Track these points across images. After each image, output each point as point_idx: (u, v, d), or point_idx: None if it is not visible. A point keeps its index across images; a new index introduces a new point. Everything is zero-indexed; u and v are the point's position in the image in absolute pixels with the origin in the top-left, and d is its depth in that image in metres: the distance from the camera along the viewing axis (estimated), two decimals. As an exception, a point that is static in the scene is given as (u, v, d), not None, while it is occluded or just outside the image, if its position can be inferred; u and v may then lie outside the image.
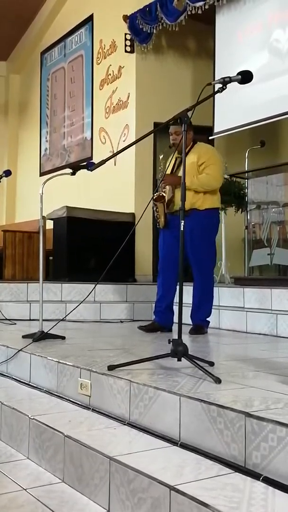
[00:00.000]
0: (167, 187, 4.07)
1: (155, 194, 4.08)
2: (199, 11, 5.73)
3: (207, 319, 4.15)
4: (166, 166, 4.14)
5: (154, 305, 4.31)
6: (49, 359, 2.82)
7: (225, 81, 2.61)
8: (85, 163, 3.76)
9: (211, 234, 4.11)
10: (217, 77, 5.37)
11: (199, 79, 6.61)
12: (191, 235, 3.91)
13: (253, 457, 1.68)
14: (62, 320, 4.02)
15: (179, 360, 2.46)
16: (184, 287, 4.68)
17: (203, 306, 4.12)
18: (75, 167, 3.77)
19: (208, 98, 2.67)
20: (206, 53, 6.79)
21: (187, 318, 4.20)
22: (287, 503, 1.47)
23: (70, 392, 2.61)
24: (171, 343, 2.47)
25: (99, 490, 1.83)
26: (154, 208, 4.14)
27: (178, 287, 4.19)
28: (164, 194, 4.05)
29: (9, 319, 4.69)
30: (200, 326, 4.09)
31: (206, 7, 5.68)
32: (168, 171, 4.12)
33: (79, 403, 2.49)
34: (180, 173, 4.01)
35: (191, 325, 4.11)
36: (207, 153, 4.04)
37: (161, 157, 4.20)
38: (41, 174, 8.88)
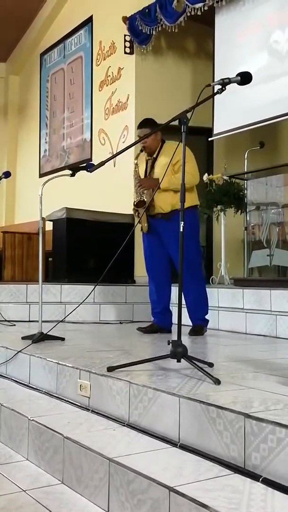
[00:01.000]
0: (146, 191, 4.01)
1: (135, 200, 4.04)
2: (199, 12, 5.73)
3: (206, 317, 4.15)
4: (138, 170, 4.08)
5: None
6: (48, 360, 2.82)
7: (225, 82, 2.61)
8: (84, 165, 3.76)
9: (195, 232, 4.08)
10: (216, 78, 5.39)
11: (199, 80, 6.62)
12: (175, 236, 3.87)
13: (252, 458, 1.68)
14: (62, 321, 4.02)
15: (179, 361, 2.45)
16: (175, 287, 4.64)
17: (200, 305, 4.11)
18: (74, 169, 3.77)
19: (207, 99, 2.67)
20: (206, 54, 6.80)
21: (186, 319, 4.19)
22: (287, 504, 1.47)
23: (69, 393, 2.60)
24: (170, 344, 2.47)
25: (99, 491, 1.83)
26: (136, 214, 4.10)
27: (172, 288, 4.22)
28: (145, 199, 4.00)
29: (8, 320, 4.69)
30: (200, 327, 4.08)
31: (206, 8, 5.68)
32: (142, 175, 4.09)
33: (79, 404, 2.49)
34: (155, 176, 4.01)
35: (190, 325, 4.10)
36: (179, 151, 3.97)
37: (135, 161, 4.12)
38: (41, 175, 8.89)
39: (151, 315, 4.29)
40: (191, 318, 4.12)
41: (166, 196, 3.92)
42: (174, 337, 2.49)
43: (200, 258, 4.22)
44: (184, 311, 4.13)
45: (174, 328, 4.09)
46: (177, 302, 2.57)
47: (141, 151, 4.06)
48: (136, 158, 4.12)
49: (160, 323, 4.14)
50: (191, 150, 3.84)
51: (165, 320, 4.17)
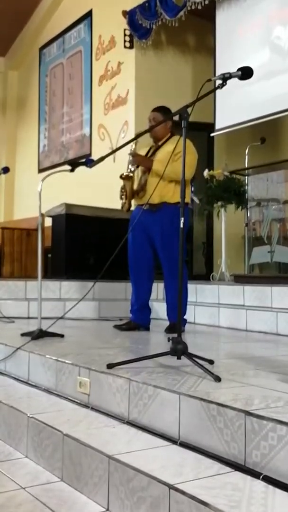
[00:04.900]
0: (140, 172, 3.94)
1: (123, 173, 3.95)
2: (199, 7, 5.71)
3: (184, 317, 4.01)
4: (135, 148, 4.00)
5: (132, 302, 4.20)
6: (47, 357, 2.81)
7: (225, 77, 2.59)
8: (84, 160, 3.74)
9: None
10: (217, 73, 5.37)
11: (199, 75, 6.59)
12: (162, 230, 3.81)
13: (253, 456, 1.67)
14: (61, 318, 4.00)
15: (179, 358, 2.44)
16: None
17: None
18: (73, 164, 3.75)
19: (208, 94, 2.65)
20: (206, 49, 6.77)
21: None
22: (287, 502, 1.46)
23: (69, 390, 2.59)
24: (170, 341, 2.46)
25: (98, 489, 1.82)
26: (120, 188, 3.99)
27: (153, 285, 4.13)
28: (131, 175, 3.92)
29: (7, 317, 4.68)
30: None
31: (206, 2, 5.66)
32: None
33: (78, 401, 2.48)
34: (153, 158, 3.95)
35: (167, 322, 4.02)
36: (181, 144, 3.94)
37: (133, 143, 3.93)
38: (40, 171, 8.87)
39: (129, 312, 4.17)
40: (169, 316, 3.99)
41: (156, 185, 3.84)
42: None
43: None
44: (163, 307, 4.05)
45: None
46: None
47: (146, 131, 4.03)
48: (138, 136, 4.05)
49: (137, 320, 4.04)
50: (194, 145, 3.81)
51: (142, 317, 4.06)
